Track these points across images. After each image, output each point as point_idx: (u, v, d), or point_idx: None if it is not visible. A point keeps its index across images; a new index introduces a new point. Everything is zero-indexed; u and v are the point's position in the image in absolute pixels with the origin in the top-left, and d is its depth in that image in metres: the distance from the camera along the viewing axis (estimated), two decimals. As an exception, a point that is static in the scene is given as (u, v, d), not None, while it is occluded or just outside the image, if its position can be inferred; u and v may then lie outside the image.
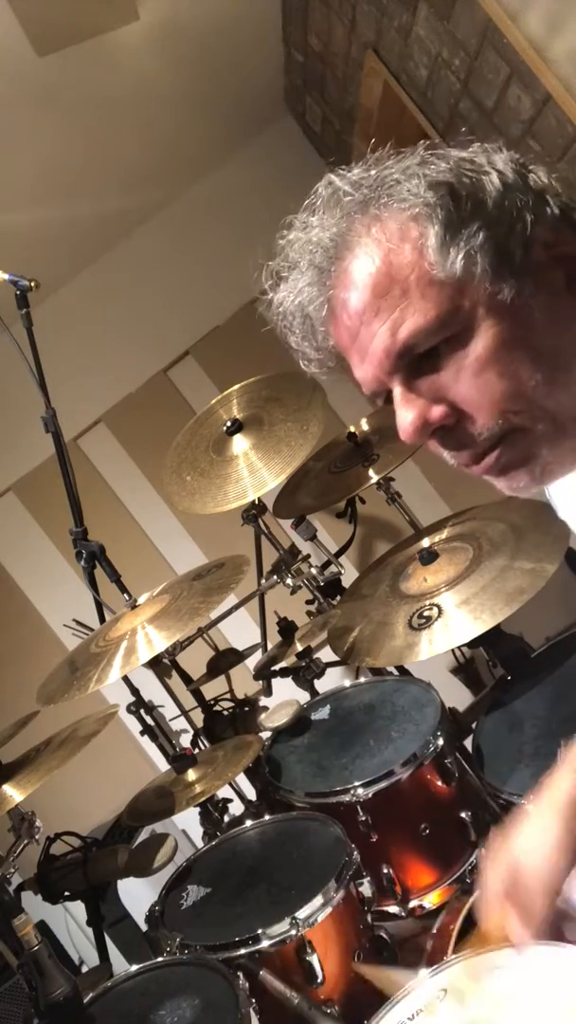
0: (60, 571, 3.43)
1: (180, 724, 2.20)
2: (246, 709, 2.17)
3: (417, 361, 0.79)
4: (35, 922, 1.40)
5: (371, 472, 2.42)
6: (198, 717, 2.26)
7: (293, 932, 1.44)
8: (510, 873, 0.93)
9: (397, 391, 0.81)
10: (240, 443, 2.27)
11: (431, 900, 1.74)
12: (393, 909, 1.74)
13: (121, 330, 3.55)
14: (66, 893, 1.86)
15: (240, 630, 2.90)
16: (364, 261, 0.78)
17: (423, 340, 0.77)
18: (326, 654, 2.23)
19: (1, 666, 3.44)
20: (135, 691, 2.08)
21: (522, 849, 0.96)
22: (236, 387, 2.43)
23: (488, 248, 0.75)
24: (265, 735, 2.04)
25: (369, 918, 1.59)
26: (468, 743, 1.86)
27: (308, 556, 2.39)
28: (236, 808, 2.05)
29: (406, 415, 0.81)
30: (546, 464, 0.81)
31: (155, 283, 3.55)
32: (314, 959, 1.44)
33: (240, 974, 1.39)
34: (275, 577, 2.33)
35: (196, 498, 2.25)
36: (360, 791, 1.71)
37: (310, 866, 1.60)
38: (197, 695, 2.26)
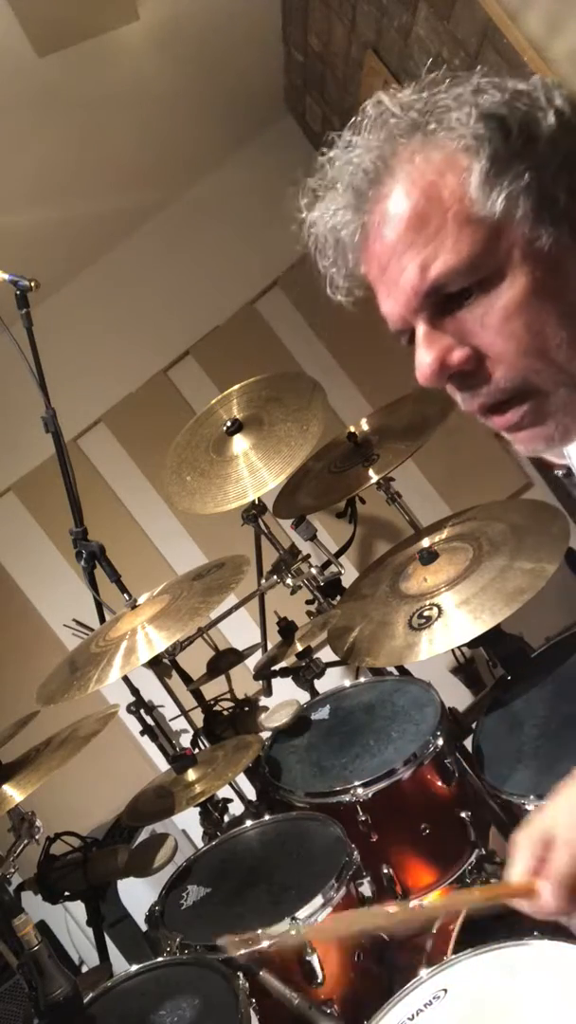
0: (60, 571, 3.43)
1: (180, 724, 2.20)
2: (246, 709, 2.17)
3: (444, 301, 0.76)
4: (35, 922, 1.40)
5: (371, 472, 2.42)
6: (198, 717, 2.26)
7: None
8: (543, 842, 0.89)
9: (420, 329, 0.78)
10: (240, 443, 2.27)
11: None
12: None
13: (121, 330, 3.55)
14: (66, 893, 1.86)
15: (240, 630, 2.90)
16: (403, 190, 0.75)
17: (453, 280, 0.74)
18: (326, 654, 2.23)
19: (1, 666, 3.44)
20: (135, 691, 2.08)
21: (557, 820, 0.91)
22: (236, 387, 2.43)
23: (532, 190, 0.72)
24: (265, 735, 2.04)
25: (369, 918, 1.59)
26: (468, 743, 1.86)
27: (308, 556, 2.39)
28: (236, 808, 2.05)
29: (426, 355, 0.77)
30: (565, 426, 0.79)
31: (155, 283, 3.55)
32: (314, 959, 1.44)
33: (240, 974, 1.39)
34: (275, 577, 2.33)
35: (196, 498, 2.25)
36: (360, 791, 1.72)
37: (310, 866, 1.60)
38: (197, 695, 2.26)
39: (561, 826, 0.90)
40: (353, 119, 0.80)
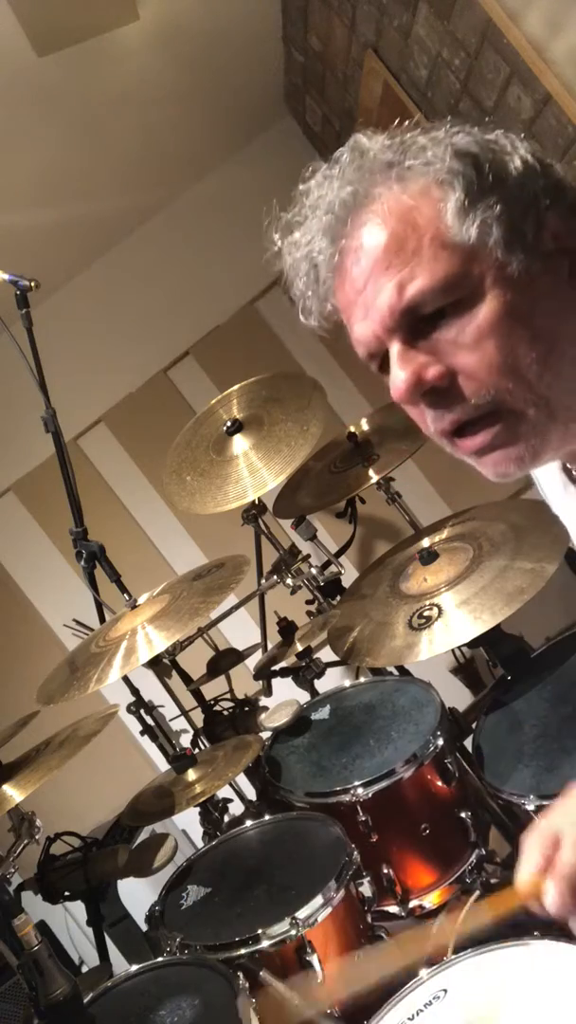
0: (60, 571, 3.43)
1: (180, 724, 2.20)
2: (246, 709, 2.17)
3: (419, 322, 0.79)
4: (35, 922, 1.40)
5: (371, 472, 2.42)
6: (198, 717, 2.25)
7: (293, 932, 1.44)
8: (552, 841, 0.90)
9: (395, 348, 0.80)
10: (240, 443, 2.27)
11: (431, 900, 1.74)
12: (393, 909, 1.74)
13: (121, 330, 3.55)
14: (66, 893, 1.86)
15: (240, 630, 2.90)
16: (380, 217, 0.78)
17: (430, 300, 0.77)
18: (326, 654, 2.23)
19: (1, 666, 3.44)
20: (135, 691, 2.08)
21: (565, 819, 0.92)
22: (236, 387, 2.43)
23: (503, 221, 0.76)
24: (265, 735, 2.04)
25: (369, 918, 1.59)
26: (468, 743, 1.86)
27: (308, 556, 2.39)
28: (236, 808, 2.05)
29: (401, 372, 0.80)
30: (535, 448, 0.81)
31: (155, 283, 3.55)
32: (314, 959, 1.44)
33: (240, 974, 1.39)
34: (275, 577, 2.33)
35: (196, 498, 2.25)
36: (360, 791, 1.72)
37: (310, 866, 1.60)
38: (197, 695, 2.26)
39: (569, 824, 0.90)
40: (330, 160, 0.84)
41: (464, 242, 0.76)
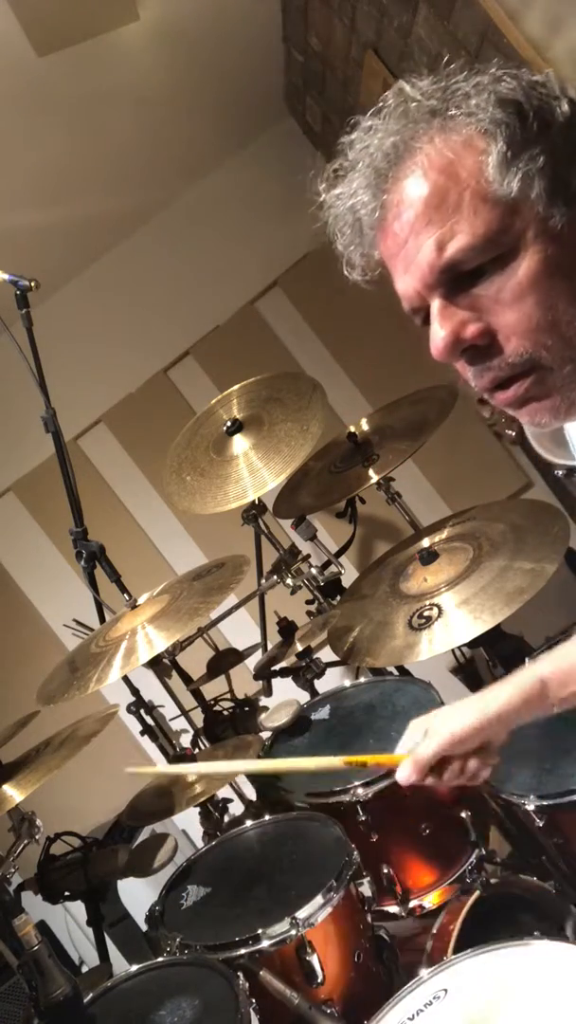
0: (60, 571, 3.42)
1: (180, 724, 2.20)
2: (246, 709, 2.17)
3: (459, 278, 0.78)
4: (35, 922, 1.40)
5: (371, 472, 2.42)
6: (198, 717, 2.26)
7: (293, 932, 1.44)
8: (423, 730, 1.15)
9: (436, 304, 0.80)
10: (240, 443, 2.27)
11: (431, 900, 1.74)
12: (393, 909, 1.74)
13: (121, 330, 3.55)
14: (66, 893, 1.86)
15: (240, 630, 2.90)
16: (422, 170, 0.77)
17: (470, 258, 0.77)
18: (326, 654, 2.23)
19: (1, 666, 3.44)
20: (135, 691, 2.08)
21: (439, 715, 1.18)
22: (236, 387, 2.43)
23: (546, 172, 0.75)
24: (265, 735, 2.04)
25: (369, 918, 1.59)
26: (468, 743, 1.85)
27: (308, 556, 2.39)
28: (236, 808, 2.05)
29: (441, 329, 0.80)
30: (571, 400, 0.81)
31: (155, 283, 3.55)
32: (314, 959, 1.44)
33: (240, 974, 1.39)
34: (275, 577, 2.33)
35: (196, 498, 2.25)
36: (360, 791, 1.71)
37: (310, 866, 1.60)
38: (197, 695, 2.26)
39: (438, 720, 1.15)
40: (374, 108, 0.83)
41: (506, 195, 0.75)
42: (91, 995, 1.46)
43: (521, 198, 0.75)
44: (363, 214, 0.82)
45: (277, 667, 2.27)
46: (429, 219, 0.77)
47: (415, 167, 0.78)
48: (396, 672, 2.27)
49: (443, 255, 0.77)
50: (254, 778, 2.03)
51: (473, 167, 0.76)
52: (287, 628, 2.29)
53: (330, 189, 0.85)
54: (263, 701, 2.22)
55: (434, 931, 1.47)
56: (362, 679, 2.21)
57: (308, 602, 2.41)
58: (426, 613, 1.87)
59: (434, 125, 0.78)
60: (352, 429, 2.61)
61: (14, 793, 1.62)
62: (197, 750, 2.10)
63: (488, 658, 2.05)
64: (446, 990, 1.17)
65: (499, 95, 0.77)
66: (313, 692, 2.27)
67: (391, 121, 0.80)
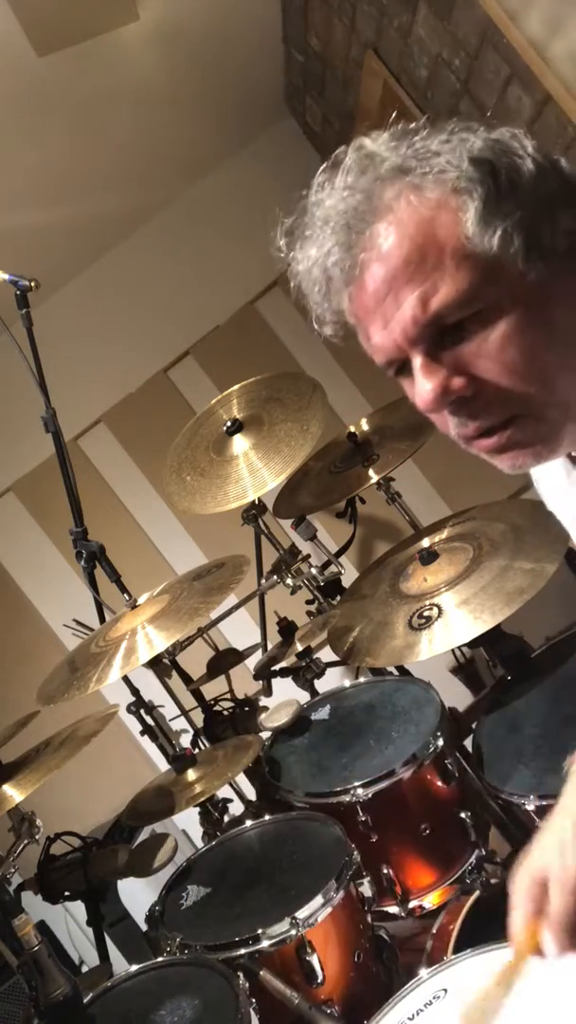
0: (60, 571, 3.43)
1: (180, 724, 2.20)
2: (246, 709, 2.17)
3: (441, 333, 0.79)
4: (35, 922, 1.40)
5: (371, 472, 2.42)
6: (198, 717, 2.25)
7: (293, 932, 1.44)
8: (539, 884, 0.89)
9: (419, 360, 0.81)
10: (240, 443, 2.27)
11: (431, 900, 1.74)
12: (393, 909, 1.74)
13: (121, 330, 3.55)
14: (66, 893, 1.86)
15: (240, 630, 2.90)
16: (398, 228, 0.78)
17: (453, 312, 0.78)
18: (326, 654, 2.23)
19: (1, 666, 3.44)
20: (135, 691, 2.08)
21: (547, 858, 0.90)
22: (236, 387, 2.43)
23: (522, 228, 0.76)
24: (265, 735, 2.04)
25: (369, 918, 1.59)
26: (468, 743, 1.86)
27: (308, 556, 2.39)
28: (236, 808, 2.05)
29: (427, 384, 0.80)
30: (550, 446, 0.83)
31: (155, 283, 3.55)
32: (314, 959, 1.44)
33: (240, 974, 1.39)
34: (275, 577, 2.33)
35: (196, 498, 2.25)
36: (360, 791, 1.72)
37: (310, 866, 1.60)
38: (197, 695, 2.26)
39: (553, 865, 0.89)
40: (327, 163, 0.83)
41: (486, 252, 0.76)
42: (91, 995, 1.46)
43: (501, 255, 0.76)
44: (335, 272, 0.82)
45: (277, 667, 2.27)
46: (410, 277, 0.78)
47: (390, 225, 0.78)
48: (396, 672, 2.27)
49: (428, 309, 0.77)
50: (254, 778, 2.03)
51: (451, 225, 0.77)
52: (287, 628, 2.29)
53: (293, 248, 0.85)
54: (263, 701, 2.22)
55: (434, 931, 1.47)
56: (362, 679, 2.21)
57: (308, 602, 2.41)
58: (426, 613, 1.87)
59: (405, 183, 0.78)
60: (352, 429, 2.61)
61: (14, 793, 1.62)
62: (197, 750, 2.10)
63: (488, 658, 2.05)
64: (446, 990, 1.17)
65: (471, 154, 0.78)
66: (313, 692, 2.27)
67: (359, 180, 0.80)
